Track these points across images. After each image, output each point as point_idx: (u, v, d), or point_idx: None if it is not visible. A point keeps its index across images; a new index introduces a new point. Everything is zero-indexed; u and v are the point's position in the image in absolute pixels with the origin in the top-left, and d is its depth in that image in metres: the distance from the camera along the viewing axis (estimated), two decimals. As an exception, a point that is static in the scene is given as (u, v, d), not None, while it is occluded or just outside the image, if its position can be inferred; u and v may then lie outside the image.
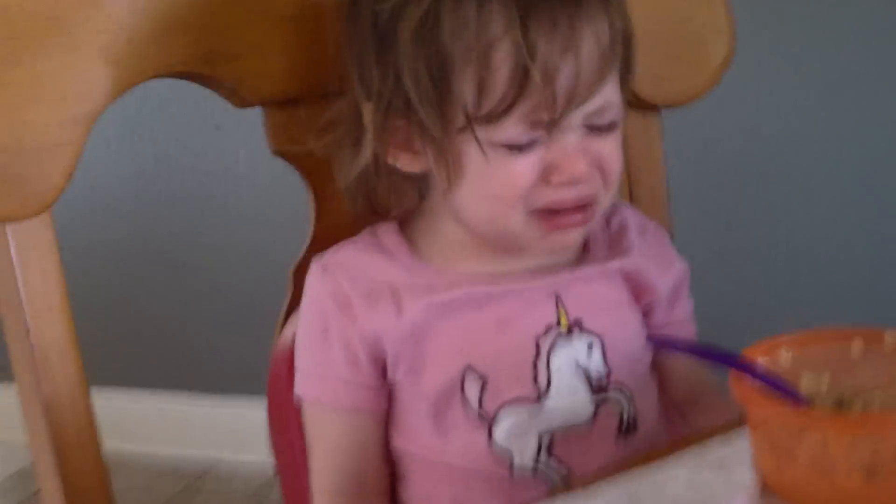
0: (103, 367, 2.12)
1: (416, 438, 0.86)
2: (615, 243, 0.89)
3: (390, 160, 0.83)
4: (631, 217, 0.91)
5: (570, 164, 0.79)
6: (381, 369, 0.85)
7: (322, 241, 0.91)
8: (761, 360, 0.64)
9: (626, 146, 1.03)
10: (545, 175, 0.79)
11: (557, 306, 0.85)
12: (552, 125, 0.78)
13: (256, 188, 1.99)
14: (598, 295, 0.86)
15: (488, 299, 0.84)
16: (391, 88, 0.79)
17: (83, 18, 0.80)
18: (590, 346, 0.85)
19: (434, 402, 0.84)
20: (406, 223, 0.89)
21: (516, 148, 0.78)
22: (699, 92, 1.03)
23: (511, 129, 0.78)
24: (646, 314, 0.90)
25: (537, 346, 0.84)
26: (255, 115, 0.92)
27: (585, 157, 0.80)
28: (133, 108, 1.99)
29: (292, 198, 1.92)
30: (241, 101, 0.89)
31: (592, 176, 0.81)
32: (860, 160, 1.67)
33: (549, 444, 0.83)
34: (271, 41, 0.89)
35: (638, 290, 0.89)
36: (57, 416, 0.82)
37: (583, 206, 0.81)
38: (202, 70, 0.87)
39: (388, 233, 0.88)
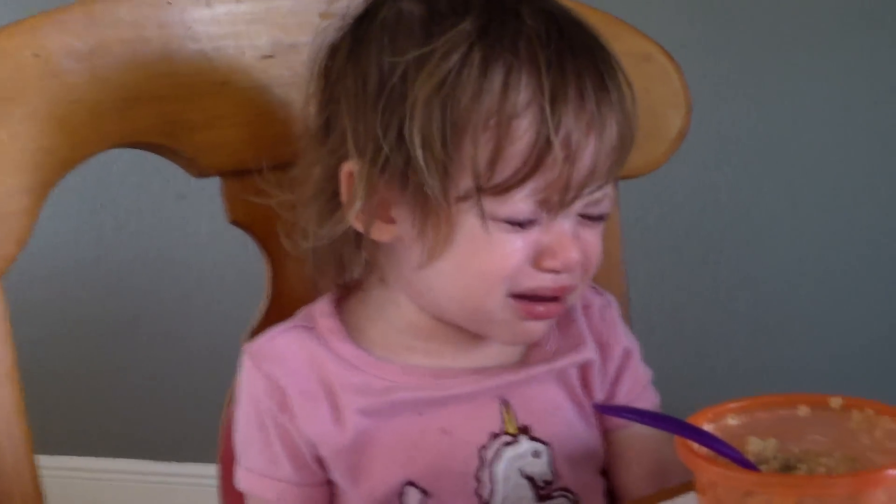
0: (56, 433, 2.11)
1: None
2: (564, 331, 0.85)
3: (356, 225, 0.79)
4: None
5: (565, 251, 0.76)
6: (324, 466, 0.82)
7: (277, 310, 0.91)
8: (708, 426, 0.65)
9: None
10: (537, 258, 0.77)
11: (502, 413, 0.82)
12: (562, 206, 0.75)
13: (218, 257, 1.99)
14: (546, 398, 0.83)
15: (430, 403, 0.81)
16: (392, 146, 0.75)
17: (42, 88, 0.81)
18: (536, 454, 0.82)
19: None
20: (346, 302, 0.86)
21: (517, 224, 0.75)
22: (655, 164, 1.05)
23: (519, 203, 0.74)
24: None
25: (480, 457, 0.81)
26: (216, 184, 0.93)
27: (577, 245, 0.78)
28: (94, 177, 2.00)
29: (254, 267, 1.94)
30: (199, 172, 0.90)
31: (578, 266, 0.78)
32: (818, 227, 1.70)
33: None
34: (229, 112, 0.89)
35: (587, 386, 0.86)
36: (2, 484, 0.81)
37: (558, 297, 0.79)
38: (161, 141, 0.88)
39: (324, 316, 0.84)
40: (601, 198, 0.78)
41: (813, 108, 1.66)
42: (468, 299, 0.78)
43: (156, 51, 0.87)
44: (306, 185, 0.82)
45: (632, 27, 1.03)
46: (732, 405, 0.66)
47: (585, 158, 0.74)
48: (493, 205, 0.74)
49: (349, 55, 0.79)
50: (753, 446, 0.65)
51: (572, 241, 0.77)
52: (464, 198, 0.75)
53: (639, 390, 0.88)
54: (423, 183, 0.74)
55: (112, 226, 2.03)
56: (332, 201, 0.80)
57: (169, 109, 0.88)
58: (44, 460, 0.84)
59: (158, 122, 0.87)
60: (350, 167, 0.78)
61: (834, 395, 0.66)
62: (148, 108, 0.87)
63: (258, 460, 0.83)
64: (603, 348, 0.86)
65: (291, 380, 0.81)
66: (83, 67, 0.84)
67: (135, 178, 1.99)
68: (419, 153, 0.74)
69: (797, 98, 1.67)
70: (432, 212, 0.75)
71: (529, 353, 0.84)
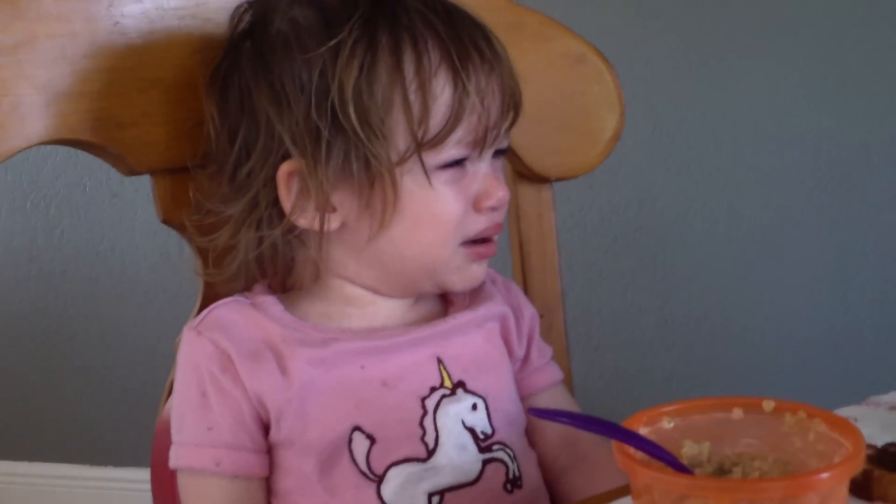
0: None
1: (302, 502, 0.84)
2: (475, 293, 0.92)
3: (302, 223, 0.85)
4: None
5: (496, 190, 0.86)
6: (265, 431, 0.84)
7: (210, 310, 0.90)
8: (643, 430, 0.64)
9: (518, 216, 1.05)
10: (476, 203, 0.86)
11: (440, 368, 0.87)
12: (487, 144, 0.85)
13: (152, 257, 1.96)
14: (476, 353, 0.89)
15: (370, 357, 0.85)
16: (330, 131, 0.82)
17: (-36, 83, 0.79)
18: (474, 407, 0.87)
19: (321, 458, 0.83)
20: (281, 294, 0.90)
21: (453, 167, 0.84)
22: (590, 165, 1.05)
23: (452, 150, 0.84)
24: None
25: (423, 406, 0.85)
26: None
27: (502, 184, 0.87)
28: (27, 176, 1.96)
29: (189, 267, 1.92)
30: (129, 170, 0.89)
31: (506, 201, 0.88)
32: (754, 229, 1.71)
33: (438, 503, 0.84)
34: (159, 109, 0.88)
35: (508, 347, 0.92)
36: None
37: (491, 239, 0.88)
38: (89, 138, 0.86)
39: (258, 294, 0.88)
40: (505, 136, 0.89)
41: (748, 110, 1.68)
42: (425, 254, 0.86)
43: (83, 45, 0.85)
44: (239, 200, 0.86)
45: (566, 28, 1.04)
46: (667, 409, 0.66)
47: (496, 100, 0.85)
48: (431, 157, 0.83)
49: (254, 69, 0.84)
50: (688, 450, 0.64)
51: (498, 182, 0.87)
52: (404, 158, 0.83)
53: (547, 358, 0.96)
54: (368, 155, 0.82)
55: (44, 225, 2.00)
56: (271, 208, 0.86)
57: (97, 106, 0.86)
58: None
59: (86, 119, 0.86)
60: (289, 167, 0.84)
61: (767, 399, 0.66)
62: (76, 105, 0.85)
63: (193, 431, 0.84)
64: (515, 310, 0.94)
65: (235, 343, 0.84)
66: (9, 61, 0.82)
67: (67, 176, 1.96)
68: (359, 130, 0.81)
69: (732, 100, 1.68)
70: (377, 182, 0.83)
71: (451, 311, 0.92)
